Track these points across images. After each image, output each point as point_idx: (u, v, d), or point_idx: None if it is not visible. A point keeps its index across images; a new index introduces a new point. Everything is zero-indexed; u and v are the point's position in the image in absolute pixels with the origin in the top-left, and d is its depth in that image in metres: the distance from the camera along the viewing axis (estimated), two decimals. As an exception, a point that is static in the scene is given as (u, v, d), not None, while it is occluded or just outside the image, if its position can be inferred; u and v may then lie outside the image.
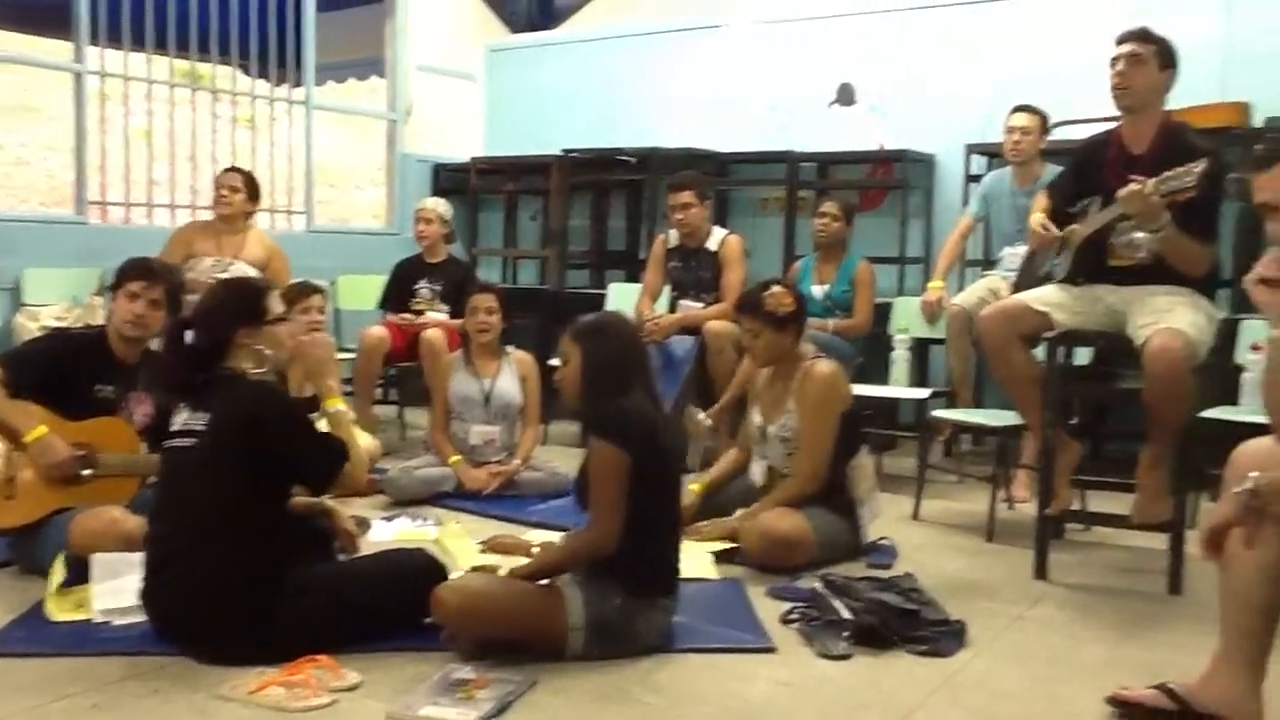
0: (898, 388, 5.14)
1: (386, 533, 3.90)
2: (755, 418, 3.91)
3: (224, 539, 2.66)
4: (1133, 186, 3.28)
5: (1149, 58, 3.52)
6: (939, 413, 4.78)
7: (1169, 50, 3.55)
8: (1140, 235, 3.45)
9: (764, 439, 3.85)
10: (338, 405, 3.03)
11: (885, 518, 4.00)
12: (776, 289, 3.79)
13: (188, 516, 2.71)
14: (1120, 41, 3.57)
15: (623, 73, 7.38)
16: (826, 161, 6.56)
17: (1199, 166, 3.19)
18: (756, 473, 3.91)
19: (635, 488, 2.73)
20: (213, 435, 2.72)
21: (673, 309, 5.53)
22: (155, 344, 3.51)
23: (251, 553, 2.67)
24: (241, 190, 5.43)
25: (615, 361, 2.87)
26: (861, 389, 4.28)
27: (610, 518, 2.73)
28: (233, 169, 5.69)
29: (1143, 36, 3.54)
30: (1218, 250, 3.56)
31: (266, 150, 6.99)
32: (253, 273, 5.08)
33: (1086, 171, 3.73)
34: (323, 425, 3.00)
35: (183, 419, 2.79)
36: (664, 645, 2.81)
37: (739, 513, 3.74)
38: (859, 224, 5.61)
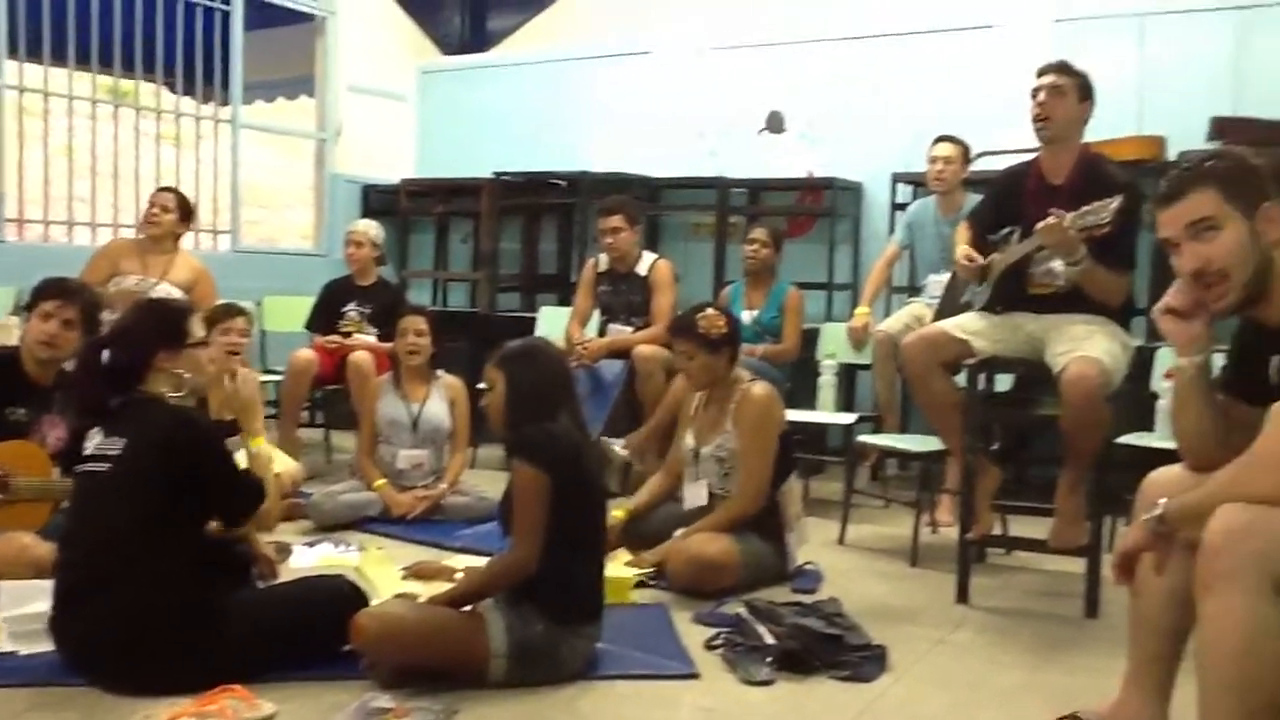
0: (825, 413, 5.17)
1: (308, 559, 3.85)
2: (688, 440, 3.92)
3: (139, 565, 2.59)
4: (1051, 220, 3.34)
5: (1069, 90, 3.60)
6: (865, 438, 4.84)
7: (1088, 83, 3.63)
8: (1058, 264, 3.52)
9: (696, 460, 3.86)
10: (260, 445, 3.01)
11: (811, 542, 4.03)
12: (710, 311, 3.83)
13: (100, 543, 2.63)
14: (1041, 74, 3.65)
15: (555, 96, 7.39)
16: (756, 188, 6.61)
17: (1115, 203, 3.25)
18: (692, 494, 3.90)
19: (558, 511, 2.73)
20: (128, 460, 2.66)
21: (602, 333, 5.54)
22: (71, 365, 3.43)
23: (167, 579, 2.61)
24: (173, 211, 5.33)
25: (540, 387, 2.87)
26: (790, 414, 4.30)
27: (530, 540, 2.71)
28: (166, 189, 5.59)
29: (1063, 69, 3.63)
30: (1134, 280, 3.65)
31: (192, 169, 6.87)
32: (178, 294, 4.98)
33: (1006, 201, 3.80)
34: (242, 459, 2.95)
35: (95, 443, 2.72)
36: (587, 672, 2.80)
37: (679, 533, 3.72)
38: (788, 250, 5.67)
